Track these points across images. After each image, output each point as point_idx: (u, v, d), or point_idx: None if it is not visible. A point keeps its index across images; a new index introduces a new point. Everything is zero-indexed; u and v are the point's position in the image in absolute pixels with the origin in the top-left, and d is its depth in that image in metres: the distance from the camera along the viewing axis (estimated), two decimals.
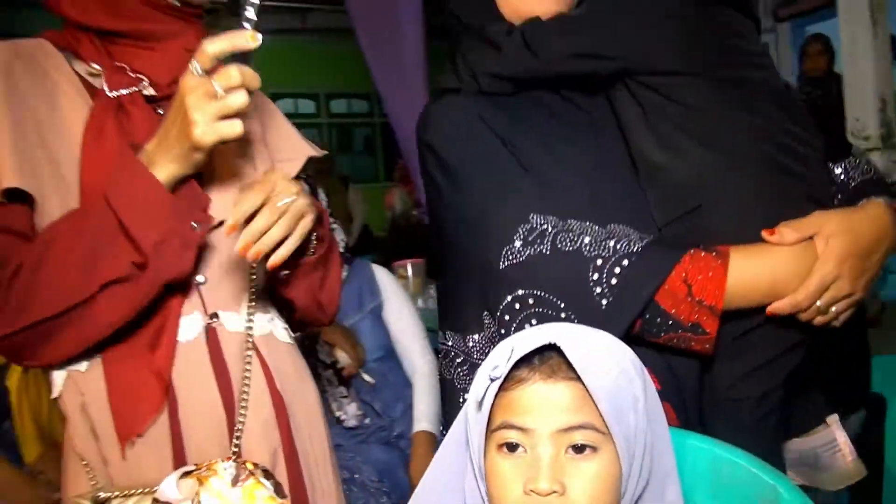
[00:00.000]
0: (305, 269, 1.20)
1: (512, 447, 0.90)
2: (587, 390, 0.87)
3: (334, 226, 2.55)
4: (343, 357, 2.40)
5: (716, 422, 1.20)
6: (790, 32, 7.04)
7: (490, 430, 0.92)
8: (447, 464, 1.00)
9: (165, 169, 1.02)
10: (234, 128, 0.99)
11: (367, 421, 2.44)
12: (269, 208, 1.03)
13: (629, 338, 1.10)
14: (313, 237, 1.17)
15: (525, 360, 0.90)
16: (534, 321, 1.14)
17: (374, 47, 4.73)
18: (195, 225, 1.05)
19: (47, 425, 2.17)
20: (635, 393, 0.90)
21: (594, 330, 0.98)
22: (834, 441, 1.35)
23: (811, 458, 1.36)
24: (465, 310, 1.27)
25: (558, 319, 1.11)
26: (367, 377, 2.45)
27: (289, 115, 1.27)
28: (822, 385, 1.33)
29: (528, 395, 0.89)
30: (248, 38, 0.97)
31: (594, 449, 0.87)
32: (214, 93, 0.97)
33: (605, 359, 0.90)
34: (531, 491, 0.86)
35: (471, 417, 0.94)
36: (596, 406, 0.87)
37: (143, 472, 1.08)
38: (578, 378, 0.87)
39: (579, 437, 0.87)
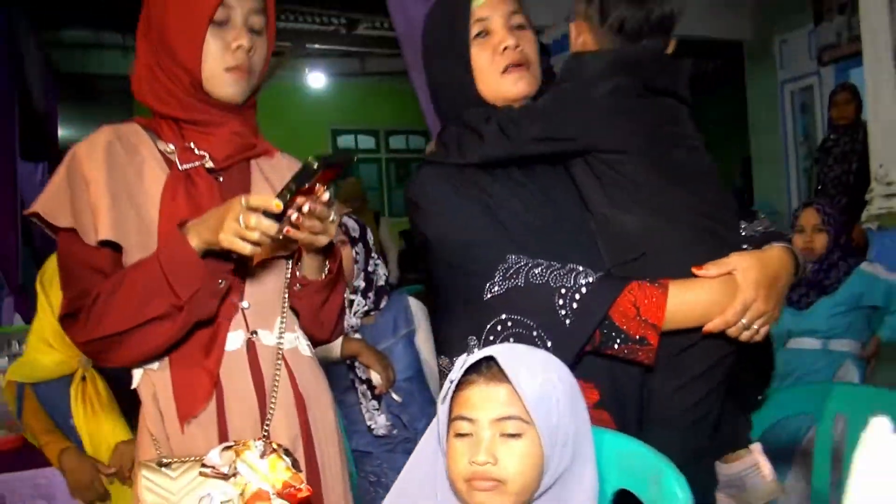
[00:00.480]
0: (313, 287, 1.43)
1: (463, 431, 1.15)
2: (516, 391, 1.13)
3: (378, 262, 2.76)
4: (375, 378, 2.59)
5: (653, 426, 1.38)
6: (833, 76, 6.94)
7: (450, 420, 1.18)
8: (426, 447, 1.25)
9: (196, 242, 1.27)
10: (244, 249, 1.22)
11: (394, 431, 2.62)
12: (329, 206, 1.28)
13: (593, 350, 1.32)
14: (327, 265, 1.44)
15: (475, 369, 1.17)
16: (512, 340, 1.32)
17: (425, 90, 4.96)
18: (221, 282, 1.33)
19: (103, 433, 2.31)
20: (558, 397, 1.14)
21: (532, 349, 1.23)
22: (757, 464, 1.57)
23: (738, 481, 1.57)
24: (453, 335, 1.46)
25: (532, 338, 1.31)
26: (395, 396, 2.64)
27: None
28: (742, 400, 1.58)
29: (474, 394, 1.16)
30: (273, 206, 1.19)
31: (520, 433, 1.12)
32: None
33: (534, 369, 1.15)
34: (473, 462, 1.12)
35: (439, 411, 1.20)
36: (522, 402, 1.13)
37: (195, 445, 1.31)
38: (511, 381, 1.13)
39: (509, 424, 1.12)
